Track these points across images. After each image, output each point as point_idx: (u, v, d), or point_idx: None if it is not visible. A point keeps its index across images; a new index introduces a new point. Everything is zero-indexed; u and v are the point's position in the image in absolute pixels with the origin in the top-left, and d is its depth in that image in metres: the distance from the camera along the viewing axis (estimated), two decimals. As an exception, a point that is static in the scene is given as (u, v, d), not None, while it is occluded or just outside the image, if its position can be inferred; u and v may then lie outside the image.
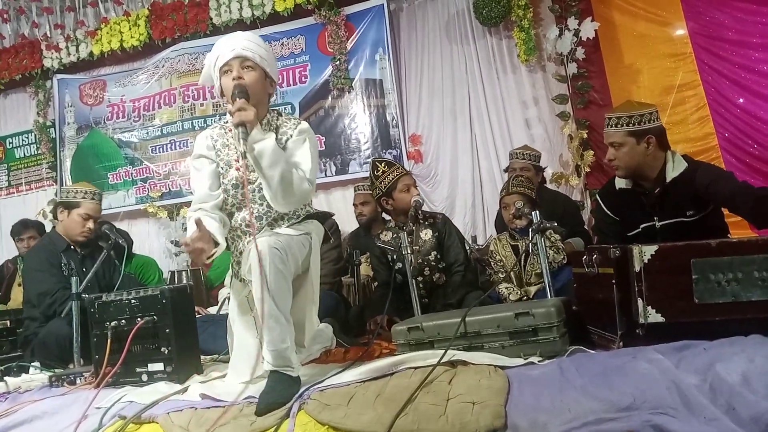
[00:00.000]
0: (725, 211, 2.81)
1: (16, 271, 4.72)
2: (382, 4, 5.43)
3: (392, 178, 3.29)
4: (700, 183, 2.66)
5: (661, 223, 2.77)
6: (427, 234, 3.32)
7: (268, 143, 2.15)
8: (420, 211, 3.30)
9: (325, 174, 5.54)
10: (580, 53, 4.79)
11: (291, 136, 2.37)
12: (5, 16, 6.17)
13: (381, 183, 3.32)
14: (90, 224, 3.44)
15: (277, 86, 5.50)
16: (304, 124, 2.42)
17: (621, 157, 2.76)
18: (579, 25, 4.76)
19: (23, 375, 2.92)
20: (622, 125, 2.74)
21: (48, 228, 4.95)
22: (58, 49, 6.24)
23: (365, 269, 4.16)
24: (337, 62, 5.49)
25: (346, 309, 3.56)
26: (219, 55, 2.33)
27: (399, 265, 3.02)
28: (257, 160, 2.15)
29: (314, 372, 2.34)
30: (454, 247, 3.31)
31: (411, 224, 3.09)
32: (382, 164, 3.38)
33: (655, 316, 2.00)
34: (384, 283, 3.37)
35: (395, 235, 3.37)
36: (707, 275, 1.97)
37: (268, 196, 2.25)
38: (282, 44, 5.74)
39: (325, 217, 2.59)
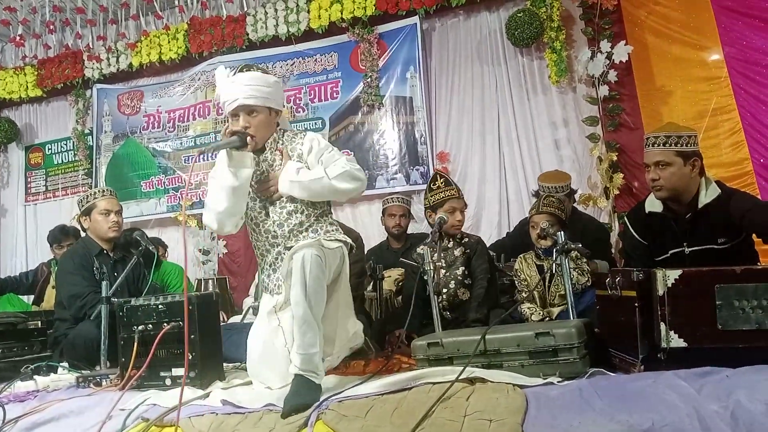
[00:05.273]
0: (755, 239, 2.77)
1: (50, 274, 4.84)
2: (415, 24, 5.49)
3: (443, 197, 3.27)
4: (735, 211, 2.61)
5: (690, 249, 2.73)
6: (458, 251, 3.32)
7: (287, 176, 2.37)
8: (459, 231, 3.33)
9: (353, 188, 5.58)
10: (612, 76, 4.77)
11: (302, 152, 2.47)
12: (51, 27, 6.38)
13: (433, 196, 3.32)
14: (113, 217, 3.49)
15: (309, 101, 5.69)
16: (309, 134, 2.53)
17: (667, 177, 2.69)
18: (612, 47, 4.75)
19: (51, 375, 2.98)
20: (671, 145, 2.68)
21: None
22: (99, 59, 6.43)
23: (388, 284, 4.17)
24: (369, 79, 5.56)
25: (368, 323, 3.57)
26: (225, 101, 2.44)
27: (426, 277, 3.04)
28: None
29: (333, 383, 2.36)
30: (481, 264, 3.30)
31: (434, 240, 3.09)
32: (441, 179, 3.37)
33: (677, 341, 1.97)
34: (408, 297, 3.37)
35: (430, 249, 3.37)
36: (731, 301, 1.94)
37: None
38: (315, 60, 5.84)
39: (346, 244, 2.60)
